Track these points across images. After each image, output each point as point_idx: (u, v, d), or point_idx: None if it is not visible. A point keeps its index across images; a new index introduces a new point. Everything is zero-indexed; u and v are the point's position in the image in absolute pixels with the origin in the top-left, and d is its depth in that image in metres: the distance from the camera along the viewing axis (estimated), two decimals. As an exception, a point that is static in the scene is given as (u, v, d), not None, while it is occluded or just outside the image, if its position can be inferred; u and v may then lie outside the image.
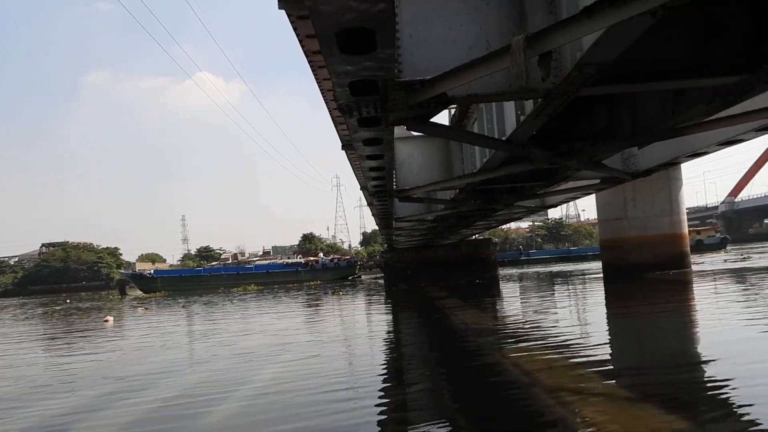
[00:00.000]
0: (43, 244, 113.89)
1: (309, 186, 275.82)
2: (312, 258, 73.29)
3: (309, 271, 64.23)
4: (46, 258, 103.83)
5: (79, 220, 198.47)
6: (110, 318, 27.81)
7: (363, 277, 65.68)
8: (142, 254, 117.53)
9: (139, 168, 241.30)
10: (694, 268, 31.53)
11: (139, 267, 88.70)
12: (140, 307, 36.92)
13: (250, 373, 11.19)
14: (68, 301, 54.22)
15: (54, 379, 11.98)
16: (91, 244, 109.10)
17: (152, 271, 70.33)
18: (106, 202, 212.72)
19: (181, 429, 7.73)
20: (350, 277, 63.22)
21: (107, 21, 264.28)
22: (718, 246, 64.74)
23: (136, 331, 22.59)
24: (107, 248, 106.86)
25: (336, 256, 77.81)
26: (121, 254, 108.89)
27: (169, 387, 10.27)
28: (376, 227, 47.66)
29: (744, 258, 41.23)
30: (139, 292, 62.21)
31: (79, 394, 10.27)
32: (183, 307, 34.12)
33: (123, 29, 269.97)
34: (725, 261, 39.56)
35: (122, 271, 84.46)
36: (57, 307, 44.00)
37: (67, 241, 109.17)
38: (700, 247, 59.86)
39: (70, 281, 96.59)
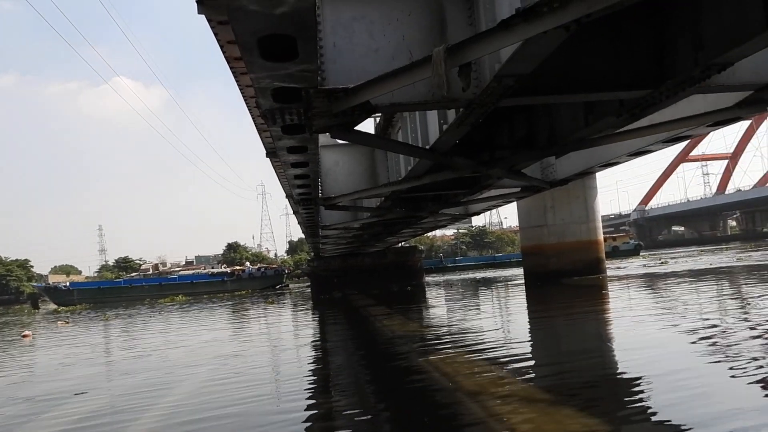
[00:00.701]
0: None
1: (233, 194, 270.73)
2: (238, 267, 71.81)
3: (235, 280, 62.92)
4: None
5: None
6: (28, 333, 26.40)
7: (291, 285, 64.91)
8: (55, 266, 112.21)
9: (51, 176, 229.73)
10: (617, 272, 32.97)
11: (53, 279, 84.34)
12: (59, 321, 35.12)
13: (171, 388, 10.84)
14: None
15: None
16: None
17: (68, 284, 67.05)
18: (15, 212, 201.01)
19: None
20: (278, 286, 62.37)
21: (11, 21, 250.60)
22: (633, 252, 68.05)
23: (56, 346, 21.43)
24: (16, 260, 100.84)
25: (263, 265, 76.53)
26: (32, 266, 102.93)
27: (82, 406, 9.81)
28: (303, 235, 47.29)
29: (663, 263, 43.45)
30: (53, 306, 59.18)
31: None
32: (106, 320, 32.73)
33: (30, 30, 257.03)
34: (645, 266, 41.48)
35: (34, 283, 79.94)
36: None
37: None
38: (616, 253, 62.82)
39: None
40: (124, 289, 62.72)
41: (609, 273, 31.94)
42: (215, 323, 25.61)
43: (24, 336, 25.42)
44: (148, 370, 12.98)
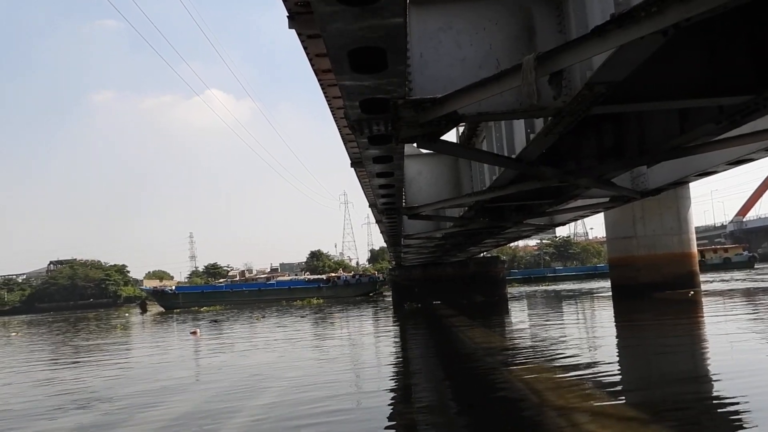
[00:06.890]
0: (51, 262, 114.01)
1: (317, 203, 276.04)
2: (333, 274, 73.48)
3: (331, 287, 63.91)
4: (54, 276, 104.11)
5: (87, 238, 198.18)
6: (196, 330, 28.16)
7: (385, 293, 64.43)
8: (149, 272, 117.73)
9: (145, 184, 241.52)
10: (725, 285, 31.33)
11: (147, 284, 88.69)
12: (212, 320, 37.08)
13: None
14: (127, 314, 54.32)
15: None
16: (99, 261, 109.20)
17: (174, 288, 70.75)
18: (113, 220, 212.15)
19: None
20: (371, 293, 62.83)
21: (114, 39, 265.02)
22: (746, 264, 63.74)
23: (237, 343, 22.45)
24: (115, 266, 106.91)
25: (358, 273, 77.97)
26: (128, 272, 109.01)
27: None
28: (384, 244, 47.59)
29: None
30: (159, 308, 62.35)
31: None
32: (257, 319, 34.34)
33: (130, 47, 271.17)
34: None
35: (143, 287, 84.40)
36: (131, 320, 45.52)
37: (75, 259, 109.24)
38: (728, 265, 59.55)
39: (77, 299, 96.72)
40: (226, 294, 65.57)
41: (717, 286, 30.31)
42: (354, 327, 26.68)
43: (192, 333, 27.17)
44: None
